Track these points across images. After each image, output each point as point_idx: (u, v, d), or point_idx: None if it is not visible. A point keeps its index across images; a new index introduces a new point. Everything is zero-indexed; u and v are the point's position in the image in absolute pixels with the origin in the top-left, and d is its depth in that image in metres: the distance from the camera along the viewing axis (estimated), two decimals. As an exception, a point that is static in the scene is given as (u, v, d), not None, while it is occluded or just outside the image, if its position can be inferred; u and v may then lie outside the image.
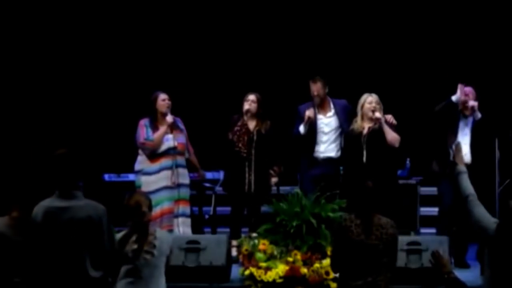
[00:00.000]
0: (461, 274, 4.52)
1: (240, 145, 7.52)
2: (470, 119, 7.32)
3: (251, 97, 7.64)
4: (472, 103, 7.25)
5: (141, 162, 7.38)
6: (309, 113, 7.50)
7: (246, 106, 7.57)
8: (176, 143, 7.35)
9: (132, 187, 7.32)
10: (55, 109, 9.70)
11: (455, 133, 7.30)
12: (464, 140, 7.23)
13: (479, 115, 7.27)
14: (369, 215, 4.92)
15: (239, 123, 7.57)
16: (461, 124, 7.33)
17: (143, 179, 7.29)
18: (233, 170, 7.58)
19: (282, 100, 9.18)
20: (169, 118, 7.35)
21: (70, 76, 9.86)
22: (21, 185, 4.72)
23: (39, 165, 8.45)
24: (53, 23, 9.75)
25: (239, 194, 7.51)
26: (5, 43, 9.48)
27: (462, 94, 7.27)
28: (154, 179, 7.25)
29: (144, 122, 7.36)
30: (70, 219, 4.40)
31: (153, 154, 7.29)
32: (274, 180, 7.61)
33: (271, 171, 7.58)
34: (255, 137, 7.54)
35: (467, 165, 6.69)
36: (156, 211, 7.00)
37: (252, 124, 7.60)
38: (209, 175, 8.59)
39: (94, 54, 9.91)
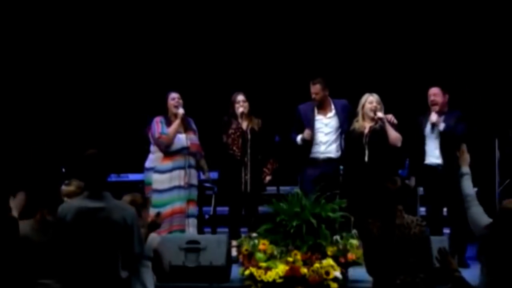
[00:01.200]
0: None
1: (234, 148, 7.51)
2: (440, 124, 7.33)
3: (241, 97, 7.60)
4: (434, 118, 7.26)
5: (154, 160, 7.44)
6: (307, 135, 7.47)
7: (240, 108, 7.54)
8: (189, 143, 7.38)
9: (132, 187, 7.33)
10: (54, 110, 9.70)
11: (423, 138, 7.37)
12: (434, 143, 7.28)
13: (442, 126, 7.27)
14: (389, 215, 4.81)
15: (234, 126, 7.54)
16: (428, 128, 7.34)
17: (155, 177, 7.34)
18: (228, 171, 7.58)
19: (282, 100, 9.18)
20: (180, 110, 7.39)
21: (70, 77, 9.87)
22: (48, 187, 4.74)
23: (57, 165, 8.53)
24: (55, 23, 9.76)
25: (236, 194, 7.51)
26: (11, 42, 9.49)
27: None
28: (166, 177, 7.29)
29: (159, 119, 7.42)
30: (105, 219, 4.39)
31: (166, 152, 7.32)
32: (268, 178, 7.61)
33: (265, 169, 7.58)
34: (249, 136, 7.53)
35: (439, 167, 7.14)
36: (167, 210, 7.10)
37: (245, 124, 7.58)
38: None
39: (91, 55, 9.92)
